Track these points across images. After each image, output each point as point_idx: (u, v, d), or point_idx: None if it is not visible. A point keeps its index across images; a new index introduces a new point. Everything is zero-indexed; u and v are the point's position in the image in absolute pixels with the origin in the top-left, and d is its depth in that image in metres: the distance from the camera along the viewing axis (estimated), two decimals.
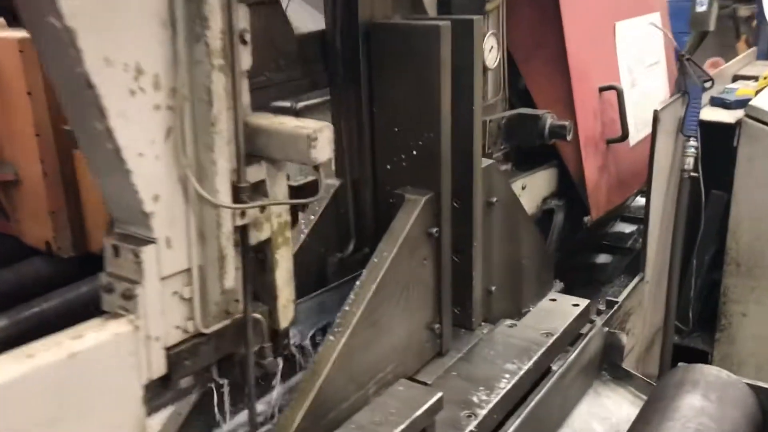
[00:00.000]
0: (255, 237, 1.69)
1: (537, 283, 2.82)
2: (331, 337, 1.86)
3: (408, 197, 2.09)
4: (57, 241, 3.15)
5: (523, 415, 2.04)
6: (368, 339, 1.93)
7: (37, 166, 3.04)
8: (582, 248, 4.03)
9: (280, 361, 1.92)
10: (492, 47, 2.67)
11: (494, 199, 2.36)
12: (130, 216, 1.48)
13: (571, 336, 2.44)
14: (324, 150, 1.60)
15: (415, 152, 2.11)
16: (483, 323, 2.46)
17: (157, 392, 1.61)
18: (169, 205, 1.49)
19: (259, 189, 1.70)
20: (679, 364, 2.27)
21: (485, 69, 2.70)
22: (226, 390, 1.82)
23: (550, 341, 2.30)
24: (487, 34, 2.65)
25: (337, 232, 2.27)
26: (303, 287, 2.18)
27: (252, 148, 1.66)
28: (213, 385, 1.86)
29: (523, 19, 3.12)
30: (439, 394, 1.80)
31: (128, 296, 1.48)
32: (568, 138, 2.78)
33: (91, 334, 1.41)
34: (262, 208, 1.63)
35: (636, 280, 3.07)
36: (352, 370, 1.88)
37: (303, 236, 2.18)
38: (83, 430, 1.41)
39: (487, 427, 1.95)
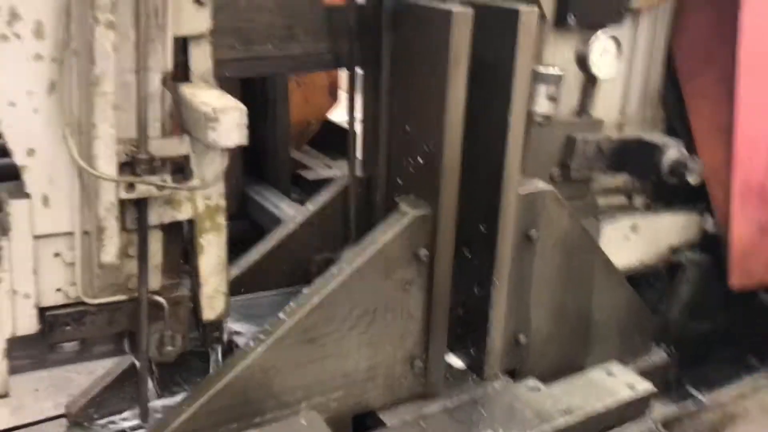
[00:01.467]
0: (168, 215, 1.56)
1: (618, 345, 2.30)
2: (251, 343, 1.67)
3: (401, 208, 1.78)
4: None
5: None
6: (301, 356, 1.69)
7: None
8: None
9: (214, 352, 1.81)
10: (607, 52, 2.16)
11: (533, 232, 1.93)
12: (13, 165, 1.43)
13: (605, 424, 1.94)
14: (229, 134, 1.40)
15: (420, 159, 1.79)
16: (506, 375, 2.06)
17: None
18: (48, 162, 1.42)
19: (182, 165, 1.56)
20: None
21: (594, 79, 2.20)
22: (138, 365, 1.72)
23: (559, 421, 1.84)
24: (602, 36, 2.15)
25: (342, 231, 2.04)
26: (279, 280, 2.02)
27: (180, 120, 1.53)
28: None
29: (696, 24, 2.51)
30: None
31: None
32: (692, 181, 2.18)
33: None
34: (159, 187, 1.47)
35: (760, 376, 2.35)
36: (272, 384, 1.68)
37: (292, 226, 1.99)
38: None
39: None
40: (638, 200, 2.61)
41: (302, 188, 3.43)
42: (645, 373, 2.27)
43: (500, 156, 1.79)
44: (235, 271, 1.95)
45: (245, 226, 3.17)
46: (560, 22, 2.16)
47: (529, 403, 1.91)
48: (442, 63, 1.65)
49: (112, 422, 1.82)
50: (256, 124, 3.08)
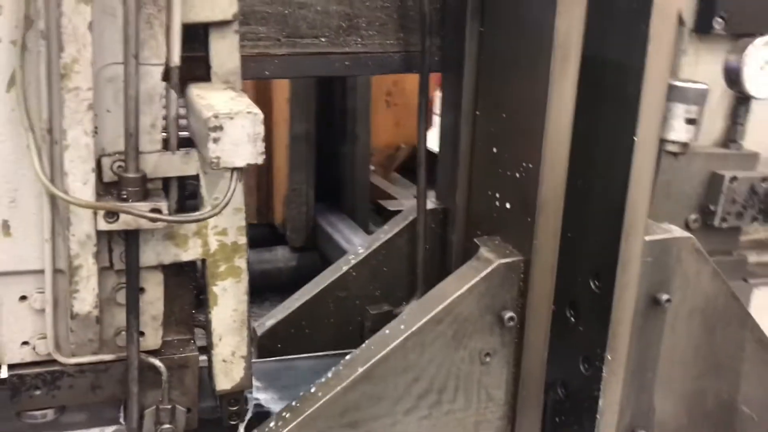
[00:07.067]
0: (169, 254, 1.20)
1: None
2: (272, 424, 1.27)
3: (481, 253, 1.35)
4: None
5: None
6: None
7: None
8: None
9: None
10: None
11: (664, 297, 1.43)
12: None
13: None
14: (236, 149, 1.02)
15: (510, 189, 1.35)
16: None
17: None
18: (8, 179, 1.09)
19: (195, 190, 1.20)
20: None
21: (747, 100, 1.68)
22: None
23: None
24: (761, 43, 1.64)
25: (408, 278, 1.61)
26: (324, 337, 1.61)
27: (189, 130, 1.17)
28: None
29: None
30: None
31: None
32: None
33: None
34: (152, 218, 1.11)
35: None
36: None
37: (345, 267, 1.58)
38: None
39: None
40: None
41: (384, 220, 3.05)
42: None
43: (621, 190, 1.32)
44: (270, 322, 1.56)
45: (314, 258, 2.81)
46: (703, 27, 1.67)
47: None
48: (541, 57, 1.21)
49: None
50: (334, 144, 2.70)
